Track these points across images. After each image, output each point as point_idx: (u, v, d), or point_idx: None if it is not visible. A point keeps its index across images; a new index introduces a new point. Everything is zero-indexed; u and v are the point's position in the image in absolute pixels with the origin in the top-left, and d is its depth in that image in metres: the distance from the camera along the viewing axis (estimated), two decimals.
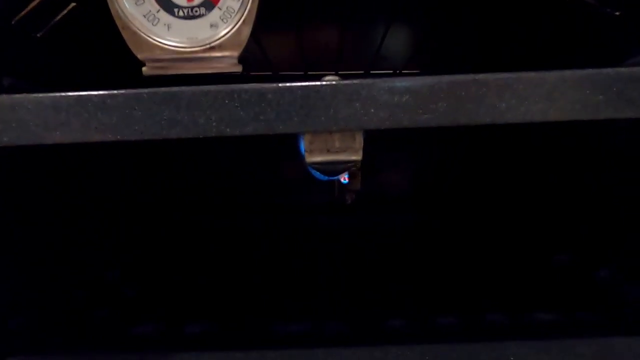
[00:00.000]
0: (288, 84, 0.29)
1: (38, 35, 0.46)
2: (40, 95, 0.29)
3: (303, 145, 0.45)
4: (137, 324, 0.48)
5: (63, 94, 0.29)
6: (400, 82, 0.29)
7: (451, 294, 0.55)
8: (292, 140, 0.42)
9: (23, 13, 0.43)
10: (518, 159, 0.71)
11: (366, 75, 0.75)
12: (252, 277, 0.62)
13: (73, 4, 0.47)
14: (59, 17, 0.46)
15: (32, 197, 0.47)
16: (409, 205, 0.80)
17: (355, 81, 0.29)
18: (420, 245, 0.71)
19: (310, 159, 0.35)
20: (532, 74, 0.29)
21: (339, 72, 0.74)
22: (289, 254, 0.70)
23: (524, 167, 0.70)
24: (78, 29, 0.48)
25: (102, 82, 0.35)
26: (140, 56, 0.31)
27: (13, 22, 0.43)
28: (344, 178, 0.69)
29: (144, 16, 0.30)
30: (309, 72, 0.75)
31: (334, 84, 0.29)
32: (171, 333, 0.47)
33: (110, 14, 0.36)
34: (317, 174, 0.67)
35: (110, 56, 0.55)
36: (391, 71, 0.74)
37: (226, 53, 0.31)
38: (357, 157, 0.34)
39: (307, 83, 0.29)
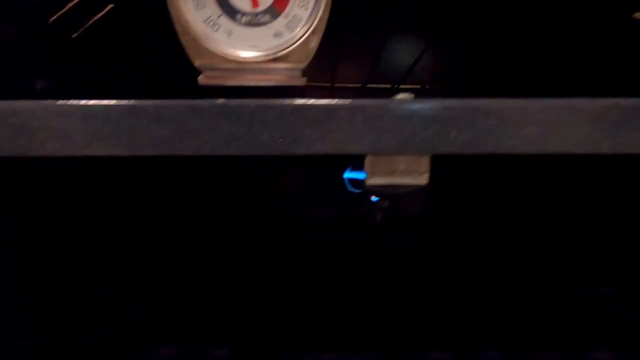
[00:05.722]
0: (361, 101, 0.27)
1: (73, 36, 0.44)
2: (90, 103, 0.26)
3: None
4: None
5: (115, 102, 0.26)
6: (485, 103, 0.27)
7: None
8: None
9: (61, 12, 0.41)
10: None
11: (395, 90, 0.73)
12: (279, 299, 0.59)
13: (111, 5, 0.45)
14: (95, 18, 0.44)
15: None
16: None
17: (434, 100, 0.27)
18: (430, 268, 0.68)
19: (372, 181, 0.32)
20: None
21: (367, 86, 0.73)
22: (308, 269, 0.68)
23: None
24: (116, 31, 0.45)
25: (137, 90, 0.32)
26: (197, 63, 0.28)
27: (50, 22, 0.41)
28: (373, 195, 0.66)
29: (204, 21, 0.28)
30: (336, 85, 0.73)
31: (411, 104, 0.27)
32: None
33: (150, 15, 0.34)
34: (352, 188, 0.64)
35: (147, 62, 0.52)
36: (419, 86, 0.72)
37: (291, 65, 0.28)
38: (422, 181, 0.31)
39: (381, 101, 0.27)
